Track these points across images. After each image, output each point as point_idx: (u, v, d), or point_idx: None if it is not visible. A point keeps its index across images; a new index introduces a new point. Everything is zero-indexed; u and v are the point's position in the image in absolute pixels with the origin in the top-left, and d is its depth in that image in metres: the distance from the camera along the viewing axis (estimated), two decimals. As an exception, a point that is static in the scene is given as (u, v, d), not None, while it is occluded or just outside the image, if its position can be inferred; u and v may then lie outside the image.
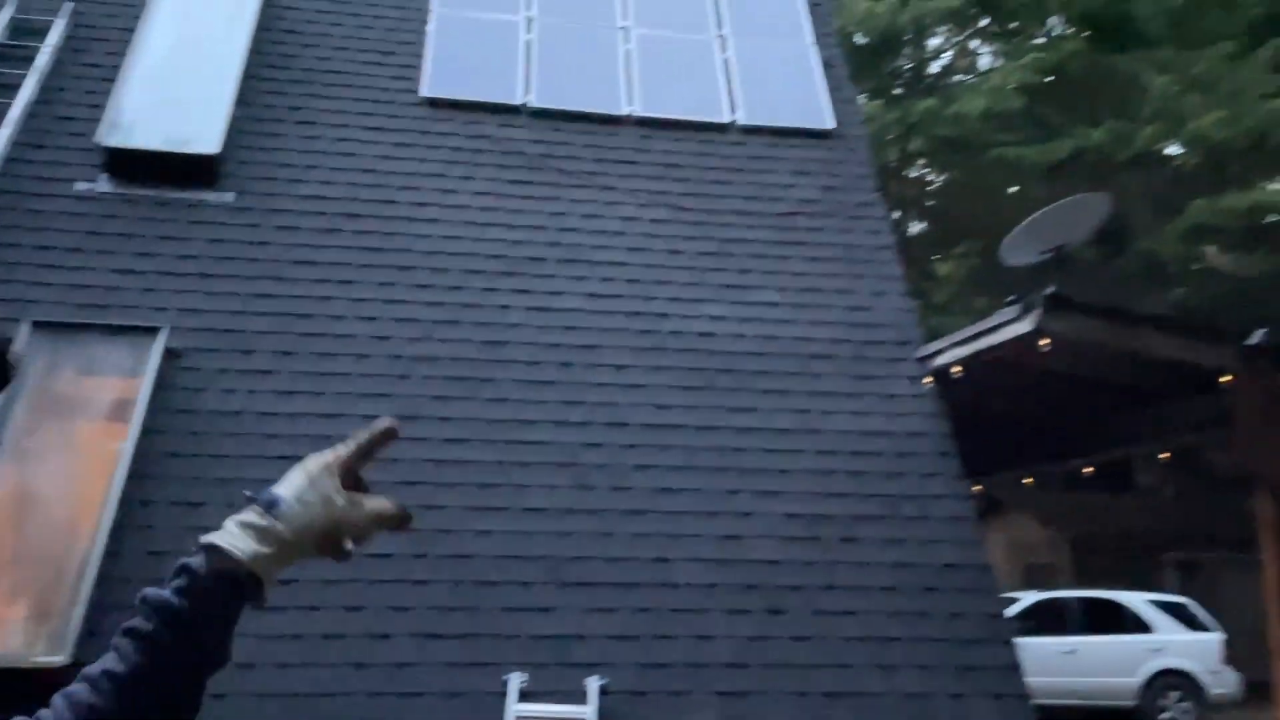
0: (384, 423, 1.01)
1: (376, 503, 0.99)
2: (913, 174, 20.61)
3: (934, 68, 19.87)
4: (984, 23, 18.94)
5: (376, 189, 6.90)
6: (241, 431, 5.66)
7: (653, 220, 7.18)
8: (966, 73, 20.00)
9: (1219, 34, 17.09)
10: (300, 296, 6.29)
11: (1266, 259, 19.69)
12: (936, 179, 21.35)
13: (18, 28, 7.08)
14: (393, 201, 6.86)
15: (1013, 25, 17.97)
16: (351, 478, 1.00)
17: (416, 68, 7.63)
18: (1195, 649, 12.26)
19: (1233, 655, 12.15)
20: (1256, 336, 5.50)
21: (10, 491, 4.99)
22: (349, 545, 0.97)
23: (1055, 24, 18.74)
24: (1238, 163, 18.40)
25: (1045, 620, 12.43)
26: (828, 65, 8.39)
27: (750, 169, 7.64)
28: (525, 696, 5.06)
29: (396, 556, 5.36)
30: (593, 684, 5.10)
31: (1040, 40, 18.05)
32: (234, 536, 0.91)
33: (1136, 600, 12.88)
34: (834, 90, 8.22)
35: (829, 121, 7.96)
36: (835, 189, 7.65)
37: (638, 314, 6.67)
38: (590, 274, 6.81)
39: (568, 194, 7.20)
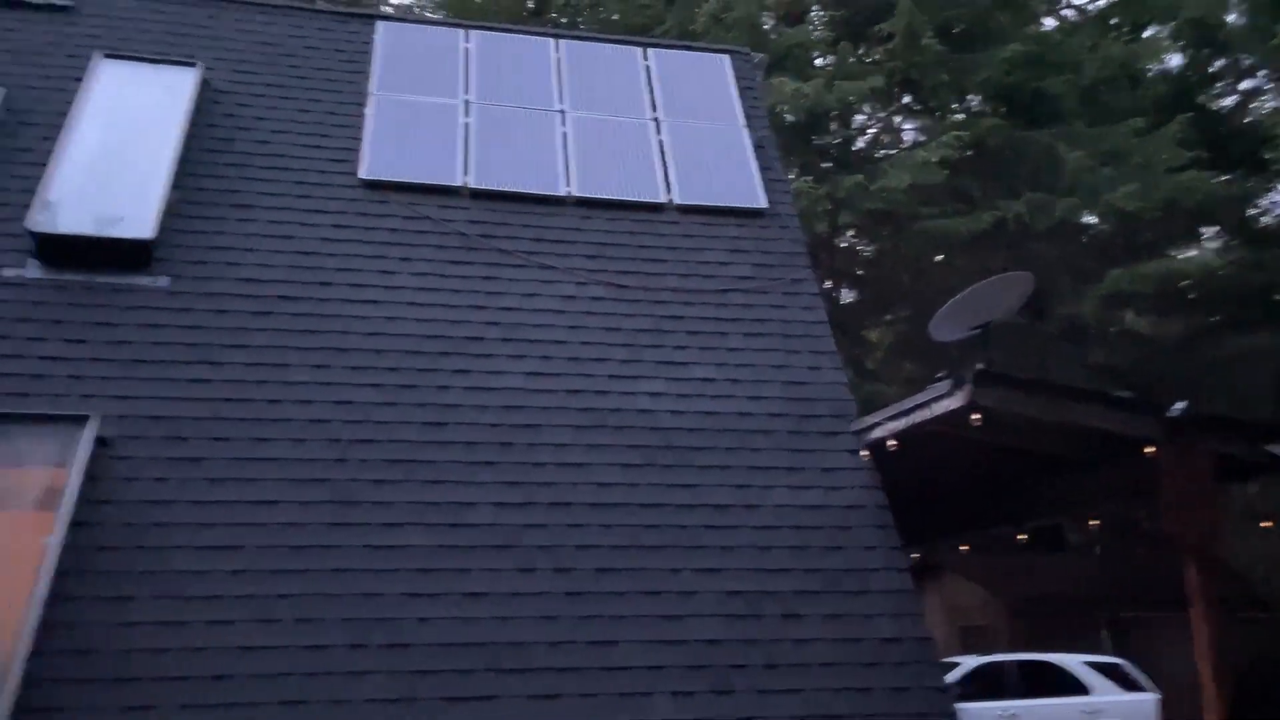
0: None
1: None
2: (842, 245, 21.14)
3: (860, 143, 20.54)
4: (906, 100, 19.69)
5: (314, 271, 6.88)
6: (172, 522, 5.53)
7: (591, 299, 7.27)
8: (891, 148, 20.71)
9: (1128, 110, 17.98)
10: (234, 381, 6.22)
11: (1181, 322, 20.51)
12: (865, 250, 21.92)
13: (-54, 112, 6.98)
14: (330, 284, 6.84)
15: (932, 103, 18.70)
16: None
17: (354, 150, 7.68)
18: (1132, 710, 12.41)
19: (1169, 715, 12.33)
20: (1178, 409, 5.72)
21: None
22: None
23: (973, 100, 19.55)
24: (1150, 231, 19.23)
25: (984, 684, 12.51)
26: (759, 146, 8.64)
27: (685, 247, 7.79)
28: (468, 789, 4.95)
29: (334, 648, 5.25)
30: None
31: (960, 116, 18.80)
32: None
33: (1073, 662, 13.03)
34: (765, 170, 8.46)
35: (761, 201, 8.18)
36: (769, 266, 7.83)
37: (577, 392, 6.71)
38: (529, 353, 6.85)
39: (506, 274, 7.26)
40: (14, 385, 5.81)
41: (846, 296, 21.87)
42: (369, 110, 7.98)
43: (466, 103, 8.27)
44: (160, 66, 7.68)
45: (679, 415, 6.69)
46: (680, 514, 6.19)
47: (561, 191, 7.84)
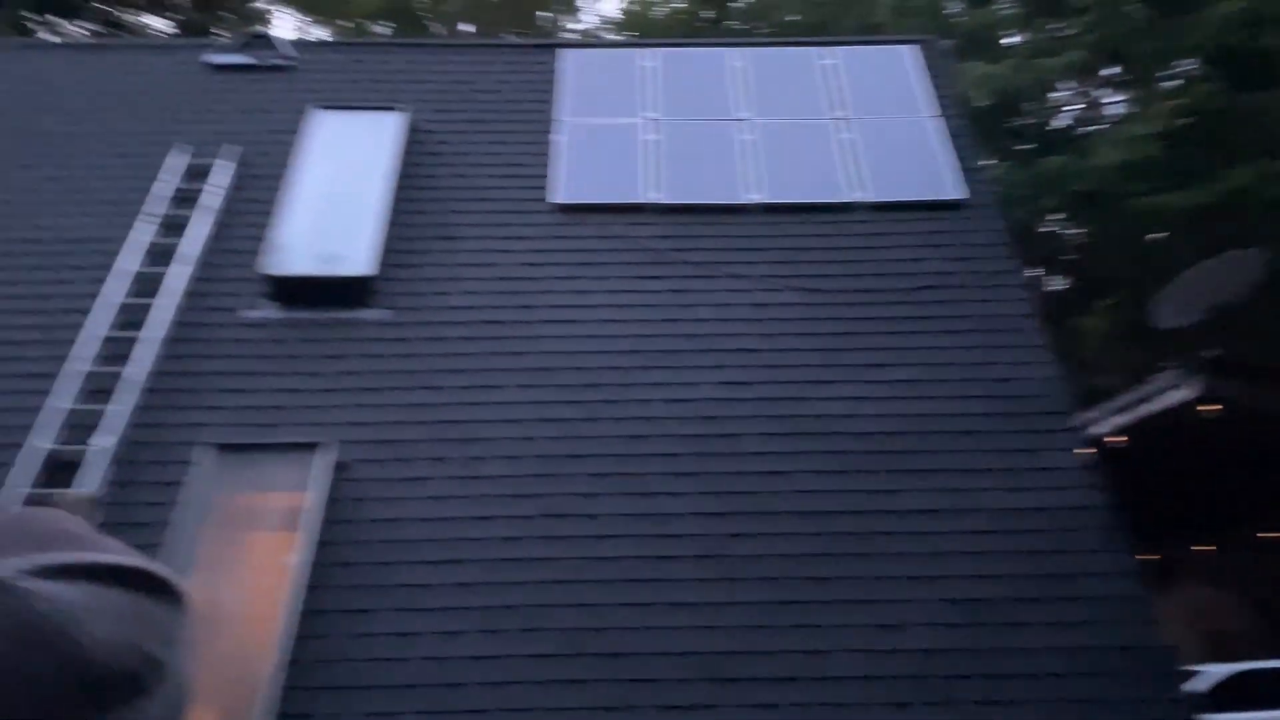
0: None
1: None
2: (1048, 230, 20.05)
3: (1061, 122, 19.43)
4: (1109, 72, 18.47)
5: (516, 296, 7.19)
6: (402, 538, 5.90)
7: (783, 304, 7.23)
8: (1096, 124, 19.48)
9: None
10: (450, 404, 6.57)
11: None
12: (1074, 233, 20.68)
13: (193, 172, 7.75)
14: (531, 306, 7.13)
15: (1140, 73, 17.46)
16: None
17: (546, 176, 7.97)
18: None
19: None
20: None
21: (200, 605, 5.32)
22: None
23: (1187, 66, 18.10)
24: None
25: (1236, 694, 11.52)
26: (951, 135, 8.36)
27: (878, 246, 7.63)
28: (689, 797, 5.01)
29: (554, 657, 5.44)
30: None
31: (1173, 84, 17.47)
32: None
33: (1341, 671, 11.78)
34: (959, 159, 8.18)
35: (956, 191, 7.90)
36: (968, 259, 7.55)
37: (774, 400, 6.68)
38: (724, 363, 6.88)
39: (697, 285, 7.33)
40: (259, 417, 6.38)
41: (1055, 284, 20.72)
42: (558, 136, 8.27)
43: (650, 120, 8.43)
44: (369, 113, 8.24)
45: (881, 419, 6.55)
46: (888, 520, 6.05)
47: (748, 199, 7.85)
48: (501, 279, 7.29)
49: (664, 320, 7.10)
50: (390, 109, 8.26)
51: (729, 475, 6.28)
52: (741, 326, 7.09)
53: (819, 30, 16.00)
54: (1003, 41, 17.36)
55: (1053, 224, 20.25)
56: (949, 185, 7.95)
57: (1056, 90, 18.94)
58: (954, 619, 5.62)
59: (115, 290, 6.87)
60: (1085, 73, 17.95)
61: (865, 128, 8.43)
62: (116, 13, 20.04)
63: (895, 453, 6.38)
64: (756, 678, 5.39)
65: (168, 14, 20.88)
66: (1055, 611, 5.66)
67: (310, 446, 6.03)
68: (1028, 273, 15.28)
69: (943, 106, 8.62)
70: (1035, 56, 15.57)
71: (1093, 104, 20.54)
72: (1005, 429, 6.50)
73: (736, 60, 9.03)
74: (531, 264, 7.40)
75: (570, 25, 25.41)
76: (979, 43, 16.34)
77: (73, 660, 0.61)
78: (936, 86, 8.82)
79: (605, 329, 7.02)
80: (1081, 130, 19.00)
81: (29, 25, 17.52)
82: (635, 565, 5.86)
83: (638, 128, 8.37)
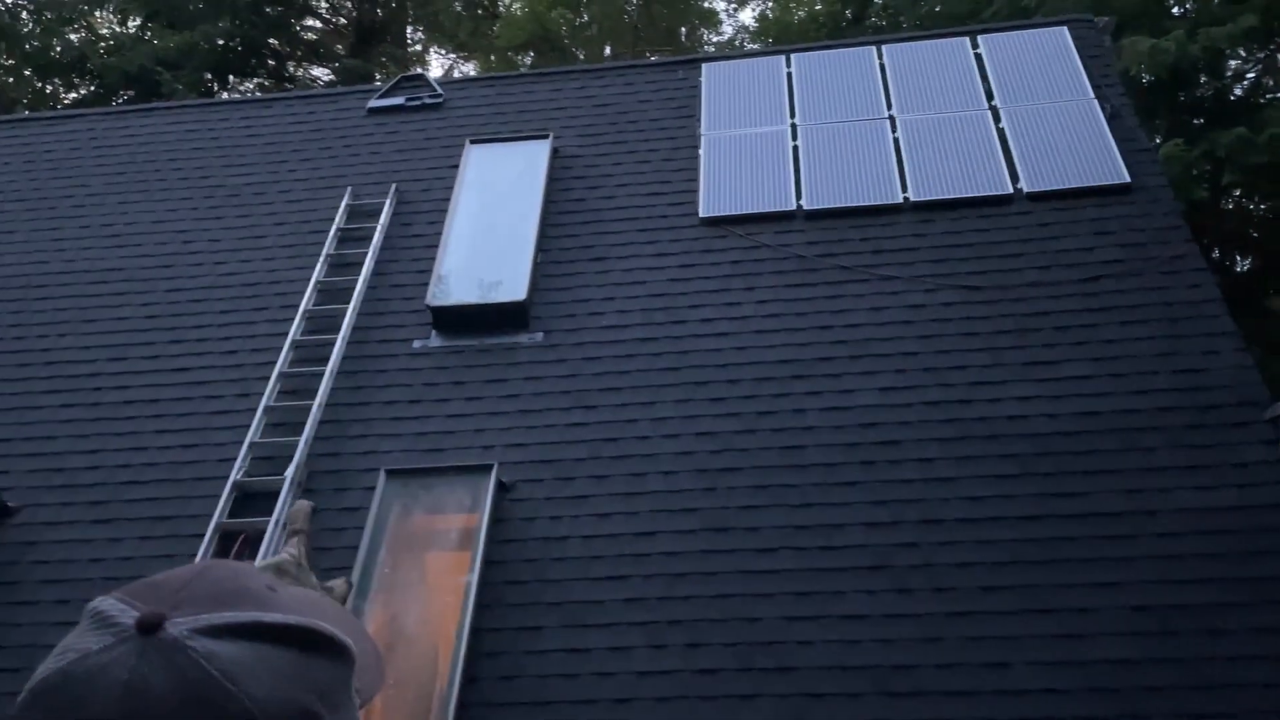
0: None
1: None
2: (1229, 207, 18.71)
3: (1238, 92, 18.09)
4: (1292, 32, 17.06)
5: (666, 311, 7.25)
6: (568, 556, 6.02)
7: (942, 304, 7.02)
8: (1277, 91, 18.04)
9: None
10: (607, 422, 6.67)
11: None
12: (1259, 209, 19.19)
13: (354, 212, 8.19)
14: (683, 321, 7.16)
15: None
16: None
17: (692, 191, 8.02)
18: None
19: None
20: None
21: (381, 624, 5.60)
22: None
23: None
24: None
25: None
26: (1114, 116, 7.94)
27: (1041, 237, 7.31)
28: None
29: (723, 671, 5.43)
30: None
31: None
32: None
33: None
34: (1124, 141, 7.76)
35: (1123, 175, 7.49)
36: (1141, 245, 7.14)
37: (937, 404, 6.48)
38: (882, 368, 6.72)
39: (850, 290, 7.20)
40: (430, 442, 6.65)
41: (1241, 265, 19.28)
42: (701, 151, 8.30)
43: (793, 126, 8.35)
44: (517, 143, 8.50)
45: (1054, 419, 6.25)
46: (1066, 525, 5.76)
47: (898, 199, 7.66)
48: (652, 295, 7.36)
49: (817, 328, 7.00)
50: (537, 137, 8.49)
51: (893, 483, 6.12)
52: (897, 329, 6.92)
53: (966, 18, 15.48)
54: (1172, 12, 16.35)
55: (1234, 200, 18.89)
56: (1115, 168, 7.54)
57: (1234, 59, 17.66)
58: (1144, 627, 5.30)
59: (296, 328, 7.31)
60: (1262, 38, 16.68)
61: (1022, 115, 8.11)
62: (289, 68, 21.41)
63: (1072, 454, 6.08)
64: (930, 691, 5.22)
65: (329, 63, 22.15)
66: (1259, 617, 5.25)
67: (476, 469, 6.24)
68: (1210, 254, 14.29)
69: (1104, 87, 8.20)
70: (1206, 25, 14.57)
71: (1271, 70, 19.06)
72: (1193, 423, 6.09)
73: (881, 58, 8.84)
74: (681, 279, 7.44)
75: (713, 38, 25.48)
76: (1143, 15, 15.42)
77: (234, 716, 0.66)
78: (1096, 67, 8.40)
79: (758, 339, 6.99)
80: (1261, 99, 17.66)
81: (210, 87, 18.94)
82: (800, 578, 5.79)
83: (781, 135, 8.31)
